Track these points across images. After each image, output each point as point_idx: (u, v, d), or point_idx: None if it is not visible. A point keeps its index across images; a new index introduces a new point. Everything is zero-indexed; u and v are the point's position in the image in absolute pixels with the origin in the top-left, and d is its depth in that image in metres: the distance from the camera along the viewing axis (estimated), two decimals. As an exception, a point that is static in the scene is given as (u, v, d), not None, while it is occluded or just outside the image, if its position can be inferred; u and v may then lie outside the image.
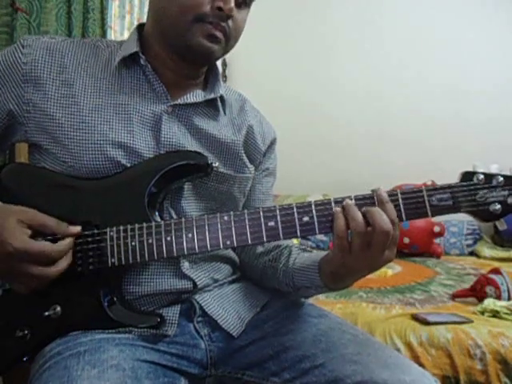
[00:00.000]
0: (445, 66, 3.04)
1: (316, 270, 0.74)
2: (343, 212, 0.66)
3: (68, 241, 0.68)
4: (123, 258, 0.69)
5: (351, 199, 0.67)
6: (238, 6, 0.76)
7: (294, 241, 1.00)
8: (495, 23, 3.01)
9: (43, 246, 0.65)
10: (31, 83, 0.74)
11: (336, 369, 0.69)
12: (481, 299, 1.57)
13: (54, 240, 0.68)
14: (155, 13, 0.79)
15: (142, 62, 0.78)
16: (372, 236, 0.64)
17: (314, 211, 0.68)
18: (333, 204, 0.68)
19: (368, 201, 0.67)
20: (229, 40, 0.77)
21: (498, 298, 1.54)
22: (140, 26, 0.84)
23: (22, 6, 1.81)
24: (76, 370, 0.61)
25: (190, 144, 0.79)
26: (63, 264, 0.67)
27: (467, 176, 0.69)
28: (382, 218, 0.63)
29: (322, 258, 0.73)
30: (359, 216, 0.64)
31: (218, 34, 0.74)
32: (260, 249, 0.89)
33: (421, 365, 1.20)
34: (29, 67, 0.74)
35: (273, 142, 0.95)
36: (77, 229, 0.69)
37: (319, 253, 0.77)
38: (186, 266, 0.76)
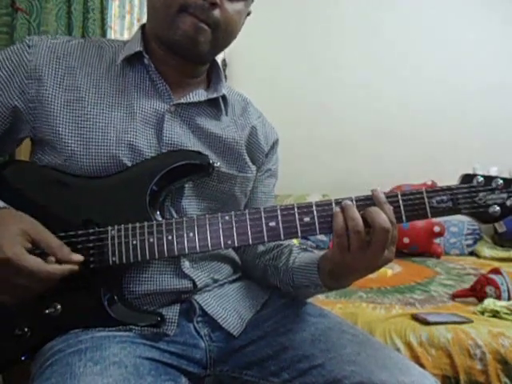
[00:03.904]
0: (445, 65, 3.04)
1: (315, 268, 0.74)
2: (342, 211, 0.66)
3: (65, 268, 0.65)
4: (124, 257, 0.69)
5: (352, 200, 0.68)
6: None
7: (294, 241, 1.01)
8: (495, 23, 3.01)
9: (34, 263, 0.62)
10: (35, 80, 0.74)
11: (335, 369, 0.69)
12: (481, 299, 1.56)
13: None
14: (148, 10, 0.80)
15: (145, 61, 0.78)
16: (371, 235, 0.64)
17: (314, 212, 0.68)
18: (333, 204, 0.68)
19: (368, 201, 0.67)
20: (216, 30, 0.75)
21: (498, 298, 1.54)
22: (144, 26, 0.84)
23: (22, 6, 1.81)
24: (78, 366, 0.61)
25: (192, 143, 0.79)
26: (49, 282, 0.64)
27: (467, 178, 0.69)
28: (381, 217, 0.64)
29: (322, 257, 0.74)
30: (357, 216, 0.65)
31: (202, 24, 0.73)
32: (261, 248, 0.89)
33: (421, 365, 1.20)
34: (33, 65, 0.74)
35: (275, 143, 0.95)
36: (79, 257, 0.67)
37: (319, 252, 0.77)
38: (186, 265, 0.76)
